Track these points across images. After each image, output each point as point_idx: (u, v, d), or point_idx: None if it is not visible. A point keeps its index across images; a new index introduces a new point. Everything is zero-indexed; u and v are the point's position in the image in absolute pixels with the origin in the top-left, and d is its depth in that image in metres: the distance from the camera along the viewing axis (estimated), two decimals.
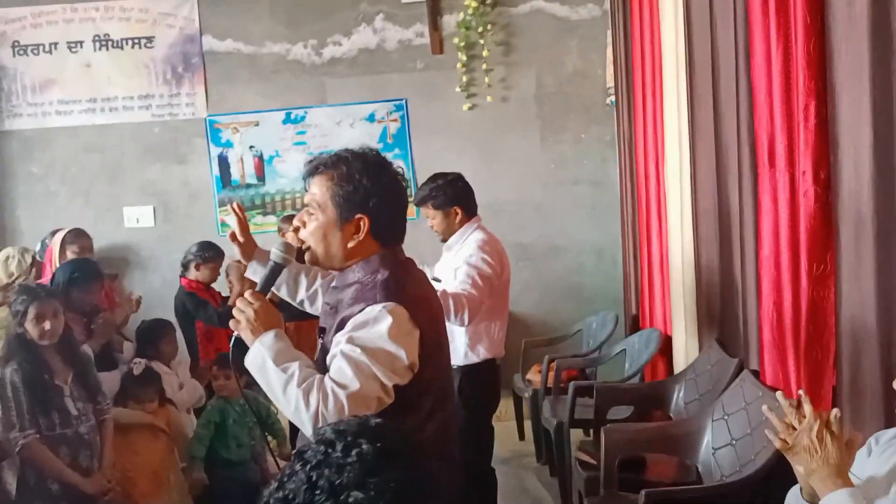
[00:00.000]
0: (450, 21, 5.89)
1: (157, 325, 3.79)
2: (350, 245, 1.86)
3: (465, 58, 5.82)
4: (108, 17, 5.92)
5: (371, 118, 6.00)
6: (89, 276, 3.58)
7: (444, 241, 3.35)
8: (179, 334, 4.05)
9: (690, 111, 3.57)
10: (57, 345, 2.89)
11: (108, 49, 5.94)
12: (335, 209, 1.85)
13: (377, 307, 1.76)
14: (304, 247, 1.95)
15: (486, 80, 5.82)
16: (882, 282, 1.99)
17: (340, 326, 1.81)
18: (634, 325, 4.82)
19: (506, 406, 4.90)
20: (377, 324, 1.74)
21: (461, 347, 3.21)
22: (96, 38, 5.93)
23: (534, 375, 4.71)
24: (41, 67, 5.94)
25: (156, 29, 5.93)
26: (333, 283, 2.00)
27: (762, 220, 2.70)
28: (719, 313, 3.37)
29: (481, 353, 3.26)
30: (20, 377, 2.74)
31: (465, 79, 5.85)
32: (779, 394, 1.72)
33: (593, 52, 5.82)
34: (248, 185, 6.03)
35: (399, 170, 1.97)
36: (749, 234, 2.84)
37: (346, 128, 5.98)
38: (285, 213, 5.84)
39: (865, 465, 1.65)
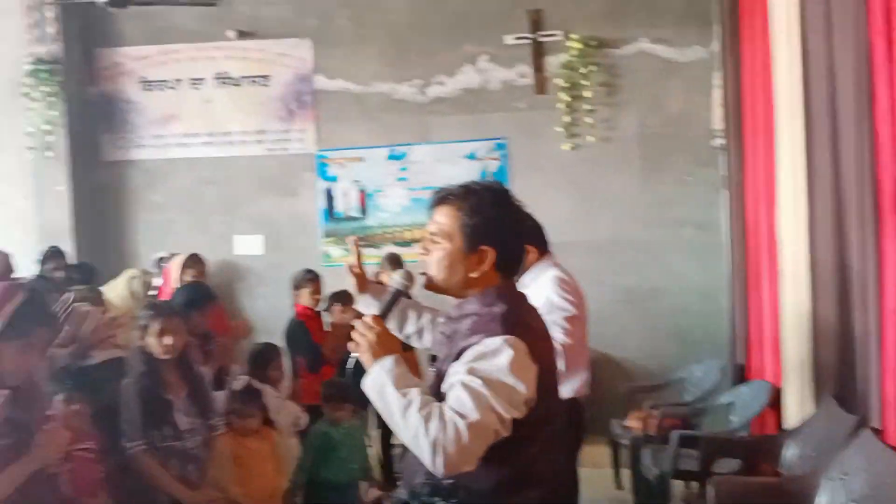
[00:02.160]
0: (553, 62, 5.95)
1: (266, 350, 3.92)
2: (473, 275, 1.88)
3: (567, 98, 5.86)
4: (229, 56, 6.28)
5: (472, 156, 6.09)
6: (206, 299, 3.75)
7: (518, 279, 3.32)
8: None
9: (807, 154, 3.46)
10: (175, 361, 3.02)
11: (227, 86, 6.29)
12: (462, 239, 1.88)
13: (498, 339, 1.77)
14: (421, 273, 1.99)
15: (588, 120, 5.83)
16: None
17: (458, 356, 1.82)
18: (741, 375, 4.64)
19: (602, 453, 4.80)
20: (498, 356, 1.74)
21: None
22: (217, 76, 6.29)
23: (633, 422, 4.58)
24: (165, 102, 6.33)
25: (272, 68, 6.24)
26: (451, 314, 2.02)
27: (885, 270, 2.58)
28: (836, 367, 3.21)
29: (563, 393, 3.20)
30: (137, 389, 2.88)
31: (566, 118, 5.87)
32: None
33: (698, 94, 5.75)
34: (351, 218, 6.20)
35: (522, 205, 1.99)
36: (871, 284, 2.72)
37: (447, 165, 6.09)
38: (385, 248, 5.99)
39: None
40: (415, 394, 1.73)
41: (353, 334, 1.86)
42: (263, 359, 3.86)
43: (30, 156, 6.05)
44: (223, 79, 6.29)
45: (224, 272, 6.18)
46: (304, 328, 4.44)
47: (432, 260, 1.92)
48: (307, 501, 3.47)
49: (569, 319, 3.04)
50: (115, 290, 4.48)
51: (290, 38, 6.22)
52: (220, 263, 6.13)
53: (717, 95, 5.46)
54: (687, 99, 5.80)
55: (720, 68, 5.30)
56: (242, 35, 6.22)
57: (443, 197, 1.94)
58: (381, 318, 1.94)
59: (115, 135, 6.34)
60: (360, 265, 2.31)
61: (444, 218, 1.91)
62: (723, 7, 5.21)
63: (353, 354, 1.86)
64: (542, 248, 3.30)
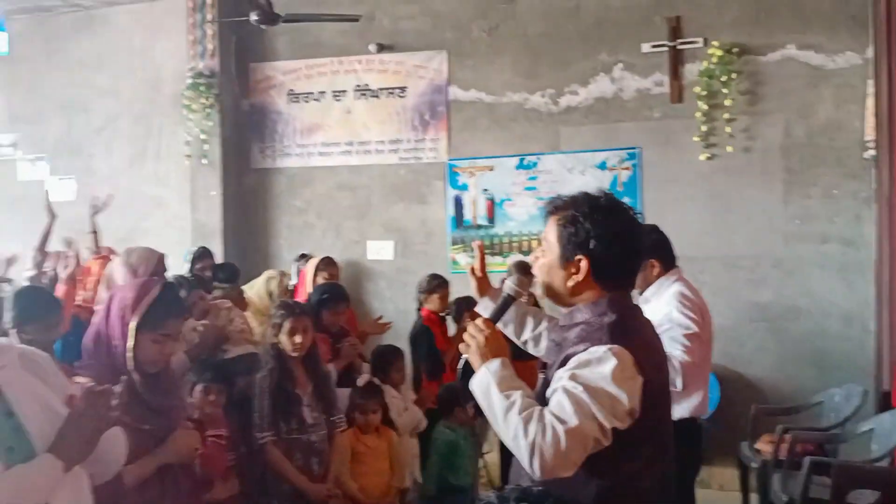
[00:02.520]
0: (692, 70, 5.78)
1: (389, 351, 4.06)
2: (570, 284, 1.90)
3: (705, 107, 5.66)
4: (369, 69, 6.55)
5: (602, 166, 6.02)
6: (338, 299, 3.95)
7: (641, 293, 3.25)
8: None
9: None
10: (303, 358, 3.21)
11: (366, 98, 6.57)
12: (559, 249, 1.91)
13: (602, 348, 1.77)
14: (535, 279, 2.03)
15: (728, 129, 5.61)
16: None
17: (564, 363, 1.84)
18: (886, 403, 4.31)
19: (731, 475, 4.62)
20: (601, 364, 1.75)
21: None
22: (357, 88, 6.58)
23: (764, 445, 4.37)
24: (310, 113, 6.70)
25: (409, 80, 6.45)
26: (560, 322, 2.04)
27: None
28: None
29: (678, 412, 3.09)
30: (268, 384, 3.07)
31: (704, 128, 5.68)
32: None
33: (850, 103, 5.39)
34: (479, 226, 6.29)
35: (638, 216, 1.98)
36: None
37: (577, 175, 6.05)
38: (512, 257, 6.03)
39: None
40: (517, 396, 1.77)
41: (465, 335, 1.93)
42: (386, 360, 4.01)
43: (187, 162, 6.59)
44: (363, 90, 6.57)
45: (356, 275, 6.45)
46: (428, 333, 4.55)
47: (537, 267, 1.98)
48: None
49: (689, 337, 2.98)
50: (254, 289, 4.79)
51: (426, 51, 6.41)
52: (352, 266, 6.41)
53: (869, 104, 5.10)
54: (837, 108, 5.46)
55: (874, 75, 4.95)
56: (382, 48, 6.47)
57: (550, 208, 1.99)
58: (492, 321, 1.99)
59: (263, 144, 6.78)
60: (483, 269, 2.37)
61: (549, 228, 1.96)
62: (878, 11, 4.87)
63: (463, 356, 1.93)
64: (668, 262, 3.24)
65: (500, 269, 5.89)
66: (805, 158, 5.54)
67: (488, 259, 6.08)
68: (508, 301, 2.07)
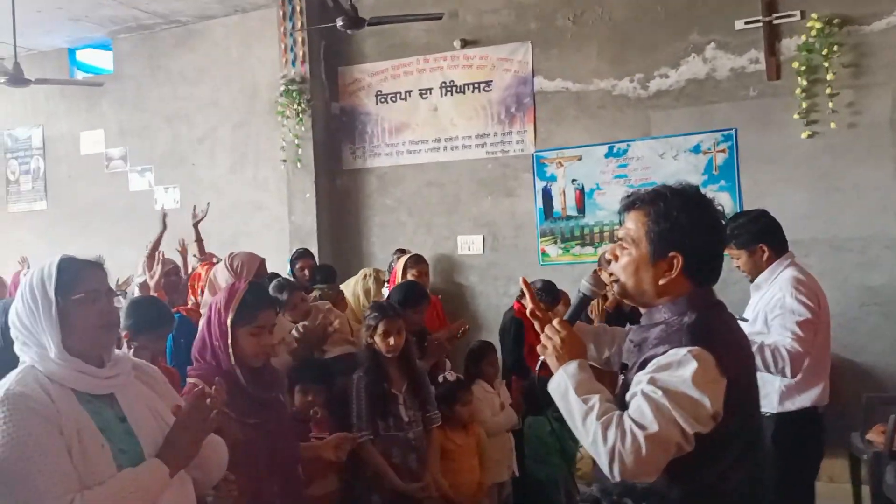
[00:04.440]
0: (789, 45, 5.52)
1: (482, 347, 4.10)
2: (661, 282, 1.83)
3: (805, 82, 5.40)
4: (454, 65, 6.59)
5: (696, 149, 5.83)
6: (418, 297, 3.98)
7: (752, 280, 3.15)
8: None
9: None
10: (397, 357, 3.27)
11: (452, 94, 6.61)
12: (649, 245, 1.84)
13: (682, 350, 1.71)
14: (613, 279, 1.98)
15: (830, 105, 5.33)
16: None
17: (643, 366, 1.79)
18: None
19: (841, 467, 4.43)
20: (681, 367, 1.69)
21: (775, 394, 2.99)
22: (443, 85, 6.63)
23: (876, 436, 4.15)
24: (397, 113, 6.80)
25: (493, 73, 6.45)
26: (640, 322, 2.00)
27: None
28: None
29: (798, 402, 3.00)
30: (364, 384, 3.16)
31: (804, 105, 5.42)
32: None
33: None
34: (569, 217, 6.22)
35: (719, 207, 1.91)
36: None
37: (670, 160, 5.89)
38: (604, 248, 5.94)
39: None
40: (596, 400, 1.73)
41: (542, 337, 1.92)
42: (478, 354, 4.04)
43: (283, 167, 6.82)
44: (448, 87, 6.62)
45: (447, 270, 6.52)
46: (519, 325, 4.52)
47: (619, 266, 1.90)
48: (518, 498, 3.57)
49: (801, 324, 2.89)
50: (350, 288, 4.92)
51: (511, 43, 6.38)
52: (444, 262, 6.48)
53: None
54: None
55: None
56: (466, 44, 6.49)
57: (632, 202, 1.91)
58: (569, 322, 1.95)
59: (354, 145, 6.93)
60: (538, 305, 2.04)
61: (632, 223, 1.88)
62: None
63: (540, 357, 1.92)
64: (779, 247, 3.15)
65: (591, 259, 5.85)
66: None
67: (579, 250, 6.12)
68: (585, 301, 2.01)
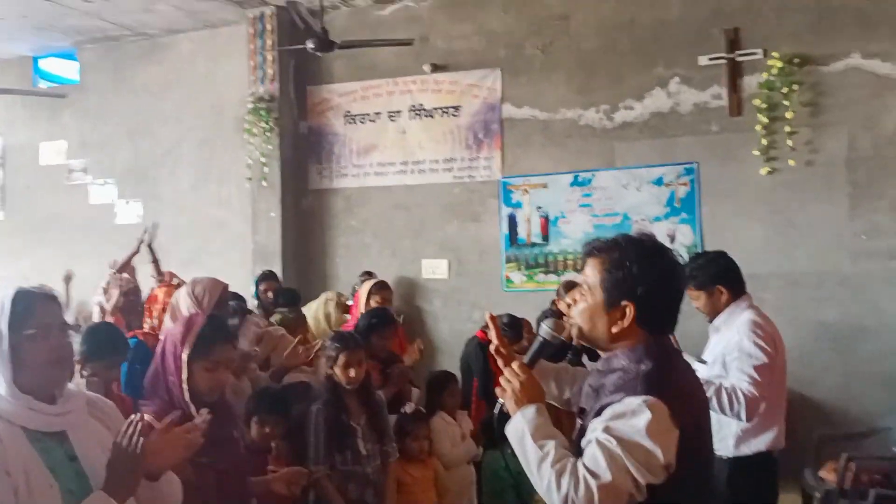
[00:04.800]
0: (751, 82, 5.66)
1: (442, 377, 4.07)
2: (614, 330, 1.86)
3: (765, 119, 5.55)
4: (423, 89, 6.62)
5: (659, 182, 5.93)
6: (385, 323, 3.98)
7: (711, 321, 3.18)
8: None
9: None
10: (357, 389, 3.24)
11: (420, 118, 6.63)
12: (603, 293, 1.86)
13: (637, 400, 1.73)
14: (571, 323, 2.00)
15: (789, 142, 5.47)
16: None
17: (599, 412, 1.80)
18: None
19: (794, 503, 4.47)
20: (635, 417, 1.71)
21: (731, 437, 3.01)
22: (412, 108, 6.66)
23: (828, 473, 4.22)
24: (365, 134, 6.80)
25: (462, 99, 6.50)
26: (598, 366, 2.01)
27: None
28: None
29: (754, 445, 3.03)
30: (323, 416, 3.11)
31: (764, 141, 5.55)
32: None
33: None
34: (533, 244, 6.27)
35: (679, 258, 1.94)
36: None
37: (633, 191, 5.98)
38: (566, 275, 5.99)
39: None
40: (551, 446, 1.75)
41: (501, 380, 1.92)
42: (439, 385, 4.01)
43: (248, 185, 6.77)
44: (417, 111, 6.64)
45: (411, 294, 6.51)
46: (484, 352, 4.50)
47: (577, 312, 1.92)
48: None
49: (758, 368, 2.91)
50: (311, 311, 4.88)
51: (480, 69, 6.44)
52: (408, 285, 6.48)
53: None
54: None
55: None
56: (436, 68, 6.53)
57: (590, 249, 1.93)
58: (529, 365, 1.96)
59: (321, 165, 6.91)
60: (503, 342, 2.08)
61: (590, 270, 1.90)
62: None
63: (499, 399, 1.93)
64: (737, 289, 3.17)
65: (554, 286, 5.88)
66: (872, 171, 5.36)
67: (543, 278, 6.17)
68: (545, 345, 2.02)
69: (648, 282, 1.83)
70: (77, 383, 2.82)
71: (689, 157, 5.84)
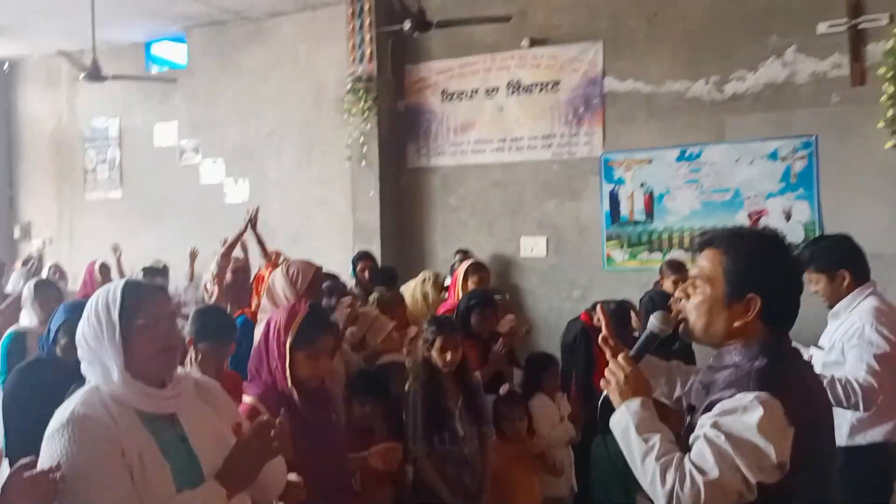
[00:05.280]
0: (875, 50, 5.26)
1: (542, 359, 4.03)
2: (736, 324, 1.78)
3: (891, 89, 5.14)
4: (522, 64, 6.50)
5: (773, 156, 5.62)
6: (484, 304, 3.97)
7: (831, 307, 3.03)
8: None
9: None
10: (453, 371, 3.25)
11: (518, 94, 6.52)
12: (726, 286, 1.78)
13: (749, 396, 1.65)
14: (681, 318, 1.92)
15: None
16: None
17: (709, 408, 1.73)
18: None
19: None
20: (747, 413, 1.64)
21: (845, 426, 2.89)
22: (510, 84, 6.55)
23: None
24: (463, 111, 6.75)
25: (562, 74, 6.34)
26: (710, 363, 1.93)
27: None
28: None
29: (870, 436, 2.90)
30: (420, 398, 3.15)
31: (890, 113, 5.15)
32: None
33: None
34: (636, 222, 6.08)
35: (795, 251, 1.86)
36: None
37: (745, 166, 5.69)
38: (671, 254, 5.79)
39: None
40: (657, 440, 1.70)
41: (606, 372, 1.87)
42: (539, 366, 3.98)
43: (348, 164, 6.86)
44: (515, 87, 6.53)
45: (508, 273, 6.46)
46: (589, 341, 4.37)
47: (691, 305, 1.85)
48: None
49: (878, 357, 2.81)
50: (409, 291, 4.91)
51: (581, 43, 6.25)
52: (505, 264, 6.42)
53: None
54: None
55: None
56: (534, 43, 6.39)
57: (708, 240, 1.86)
58: (635, 358, 1.91)
59: (418, 144, 6.92)
60: (613, 335, 1.99)
61: (708, 262, 1.82)
62: None
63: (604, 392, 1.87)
64: (861, 275, 3.04)
65: (658, 265, 5.69)
66: None
67: (647, 256, 5.98)
68: (652, 339, 1.95)
69: (775, 274, 1.77)
70: (189, 364, 2.94)
71: (806, 130, 5.50)
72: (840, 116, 5.38)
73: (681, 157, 5.94)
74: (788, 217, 5.54)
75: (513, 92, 6.54)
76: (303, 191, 7.36)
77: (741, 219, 5.58)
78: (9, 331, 3.97)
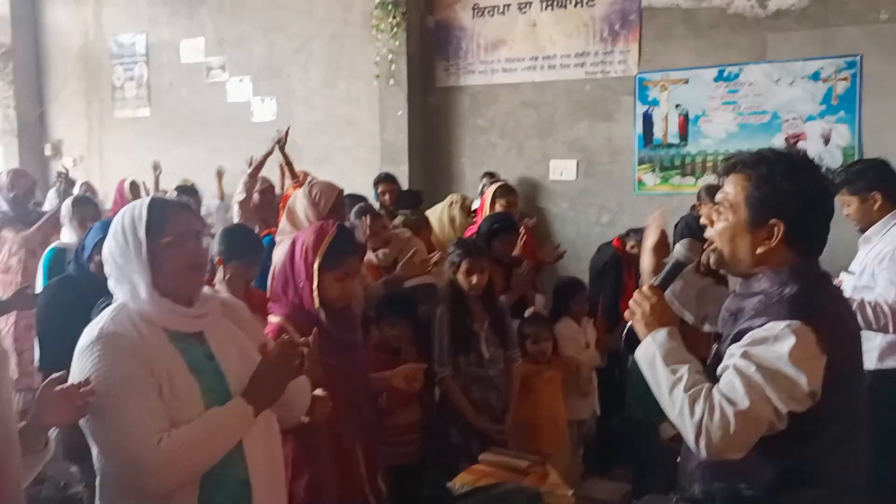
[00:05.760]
0: None
1: (570, 283, 4.02)
2: (759, 251, 1.75)
3: None
4: None
5: (815, 76, 5.39)
6: (507, 229, 3.93)
7: (862, 231, 2.98)
8: None
9: None
10: (479, 294, 3.26)
11: (552, 9, 6.28)
12: (748, 211, 1.74)
13: (781, 324, 1.63)
14: (708, 246, 1.88)
15: None
16: None
17: (737, 338, 1.71)
18: None
19: None
20: (778, 342, 1.61)
21: (875, 350, 2.88)
22: None
23: None
24: (494, 28, 6.53)
25: None
26: (737, 290, 1.89)
27: None
28: None
29: None
30: (447, 319, 3.16)
31: None
32: None
33: None
34: (670, 145, 5.93)
35: (827, 174, 1.81)
36: None
37: (785, 87, 5.48)
38: (706, 178, 5.66)
39: None
40: (684, 371, 1.69)
41: (630, 303, 1.85)
42: (567, 291, 3.97)
43: (375, 83, 6.73)
44: (549, 1, 6.29)
45: (537, 196, 6.38)
46: (619, 267, 4.33)
47: (716, 231, 1.82)
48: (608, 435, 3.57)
49: None
50: (436, 214, 4.88)
51: None
52: (534, 187, 6.34)
53: None
54: None
55: None
56: None
57: (732, 164, 1.82)
58: (660, 288, 1.88)
59: (447, 62, 6.74)
60: (664, 243, 2.11)
61: (731, 187, 1.79)
62: None
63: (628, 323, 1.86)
64: (894, 198, 2.99)
65: (691, 190, 5.59)
66: None
67: (679, 180, 5.85)
68: (678, 267, 1.92)
69: (799, 198, 1.71)
70: (218, 282, 2.97)
71: (851, 48, 5.25)
72: (888, 34, 5.12)
73: (718, 77, 5.72)
74: (827, 141, 5.36)
75: (547, 7, 6.30)
76: (330, 109, 7.25)
77: (778, 142, 5.40)
78: (50, 246, 4.07)
